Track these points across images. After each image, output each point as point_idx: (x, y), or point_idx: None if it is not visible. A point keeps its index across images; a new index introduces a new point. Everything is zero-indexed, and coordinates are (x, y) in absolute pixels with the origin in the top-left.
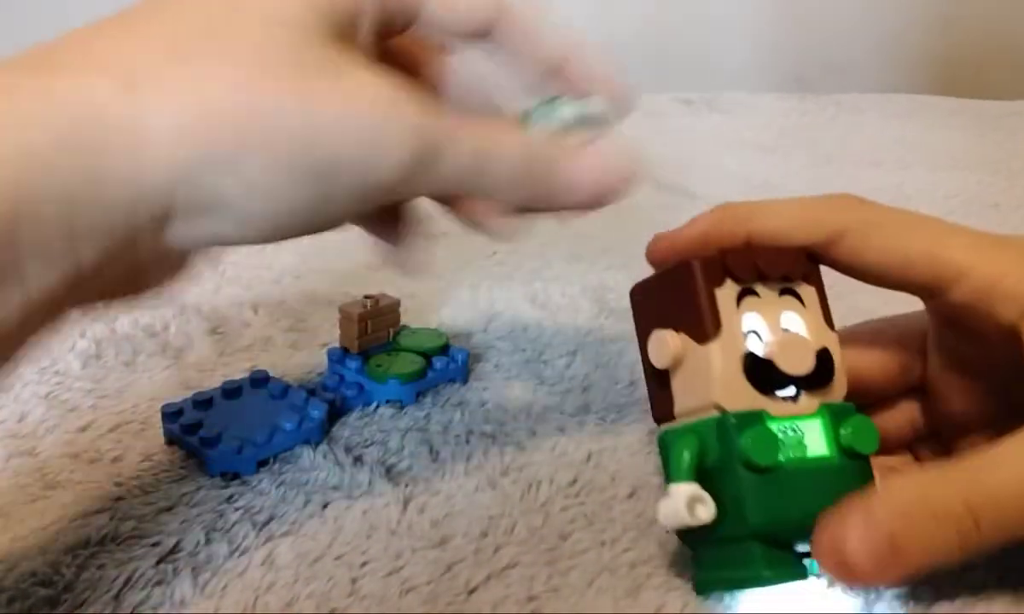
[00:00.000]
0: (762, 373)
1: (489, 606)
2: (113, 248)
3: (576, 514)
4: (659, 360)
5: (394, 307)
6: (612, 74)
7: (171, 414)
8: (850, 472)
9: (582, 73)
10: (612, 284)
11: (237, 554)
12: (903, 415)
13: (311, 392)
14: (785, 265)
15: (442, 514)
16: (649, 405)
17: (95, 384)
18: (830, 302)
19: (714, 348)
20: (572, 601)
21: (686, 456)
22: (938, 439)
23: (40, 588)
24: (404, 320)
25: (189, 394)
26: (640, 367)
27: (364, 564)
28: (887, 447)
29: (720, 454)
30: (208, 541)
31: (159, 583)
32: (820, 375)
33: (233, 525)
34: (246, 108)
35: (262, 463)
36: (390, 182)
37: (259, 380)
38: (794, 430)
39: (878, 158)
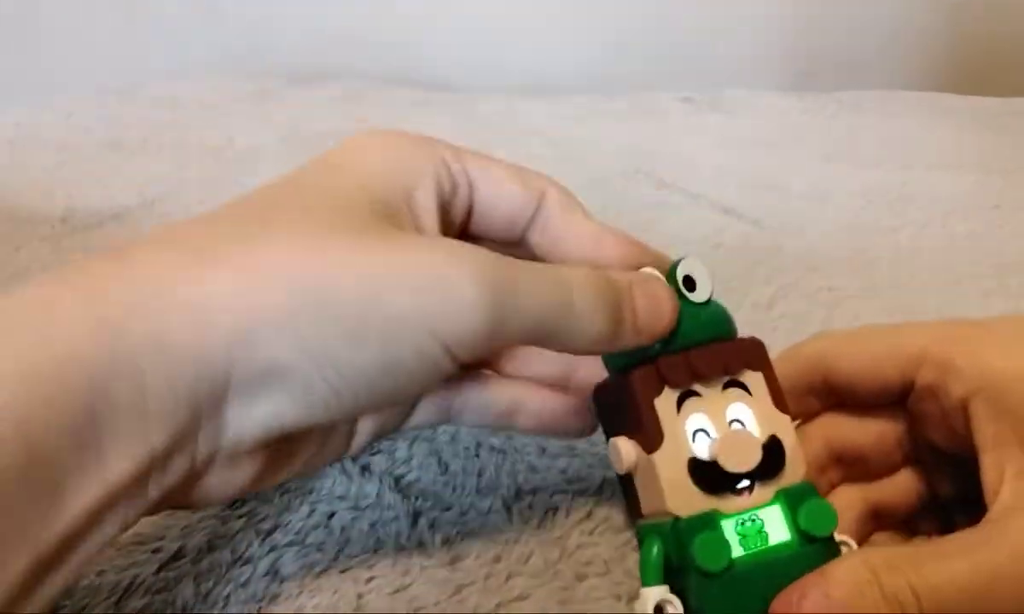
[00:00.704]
0: (709, 474)
1: None
2: (178, 432)
3: (592, 555)
4: (618, 466)
5: None
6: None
7: None
8: (809, 555)
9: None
10: None
11: (240, 563)
12: (906, 483)
13: None
14: (721, 361)
15: (453, 532)
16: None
17: None
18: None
19: (658, 458)
20: None
21: (653, 557)
22: (944, 509)
23: None
24: None
25: None
26: None
27: (370, 580)
28: (889, 518)
29: (678, 557)
30: (211, 548)
31: (160, 590)
32: (770, 465)
33: (236, 533)
34: (300, 271)
35: None
36: (462, 329)
37: None
38: (752, 520)
39: (880, 157)
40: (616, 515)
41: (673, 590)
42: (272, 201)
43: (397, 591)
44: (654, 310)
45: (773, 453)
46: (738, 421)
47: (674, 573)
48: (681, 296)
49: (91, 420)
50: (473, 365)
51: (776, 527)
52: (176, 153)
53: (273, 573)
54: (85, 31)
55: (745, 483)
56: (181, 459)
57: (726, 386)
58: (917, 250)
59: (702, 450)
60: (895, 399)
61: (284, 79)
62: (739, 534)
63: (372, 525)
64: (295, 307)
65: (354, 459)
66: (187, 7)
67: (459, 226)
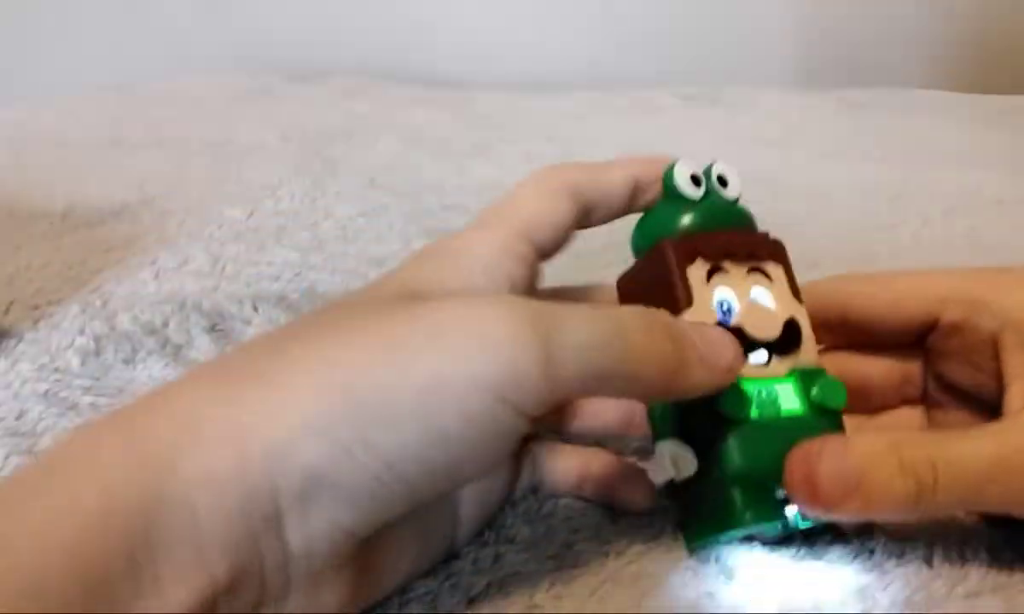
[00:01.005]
0: None
1: None
2: (239, 559)
3: (580, 524)
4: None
5: None
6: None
7: None
8: (822, 424)
9: None
10: (613, 281)
11: None
12: (908, 420)
13: None
14: (749, 246)
15: None
16: None
17: (94, 381)
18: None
19: (686, 318)
20: (574, 611)
21: (668, 415)
22: None
23: None
24: None
25: None
26: None
27: None
28: None
29: (698, 410)
30: None
31: None
32: (788, 340)
33: None
34: (326, 366)
35: None
36: (507, 371)
37: None
38: (767, 391)
39: (881, 154)
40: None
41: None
42: (320, 312)
43: None
44: (715, 348)
45: (791, 331)
46: (757, 302)
47: (688, 431)
48: (713, 191)
49: (147, 548)
50: (550, 421)
51: (788, 399)
52: (176, 150)
53: None
54: (85, 29)
55: (763, 355)
56: (249, 586)
57: (750, 271)
58: (918, 246)
59: (726, 318)
60: (912, 339)
61: (284, 76)
62: (756, 397)
63: None
64: (323, 406)
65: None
66: (188, 5)
67: None
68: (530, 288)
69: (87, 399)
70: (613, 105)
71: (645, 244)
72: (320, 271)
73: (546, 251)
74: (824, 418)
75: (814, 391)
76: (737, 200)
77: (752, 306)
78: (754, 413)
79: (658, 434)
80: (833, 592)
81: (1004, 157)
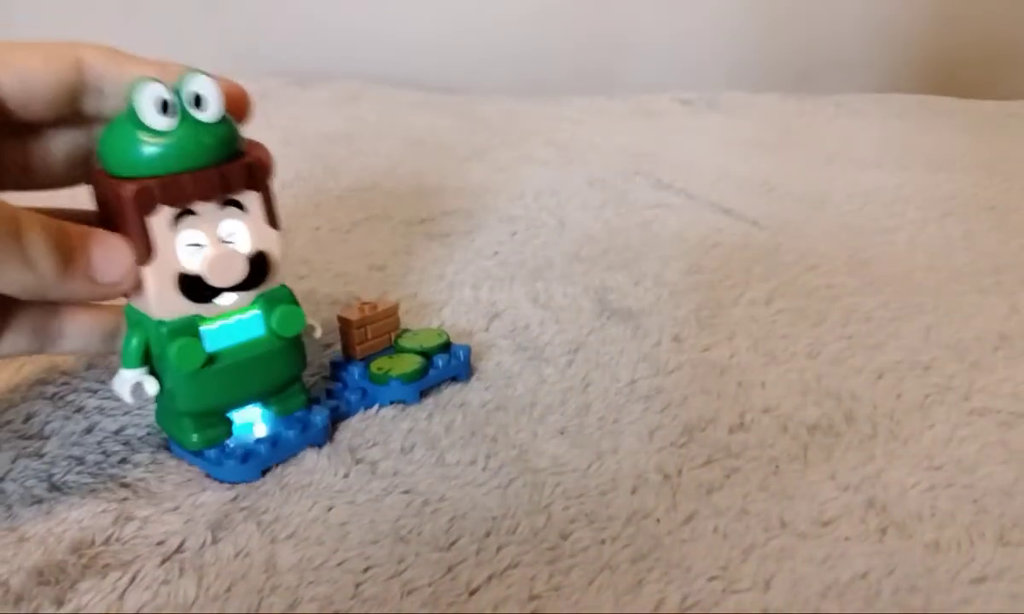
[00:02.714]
0: (195, 287)
1: (490, 606)
2: None
3: (577, 512)
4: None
5: (393, 311)
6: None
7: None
8: (279, 350)
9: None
10: (613, 284)
11: (242, 556)
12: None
13: (314, 400)
14: (220, 182)
15: (447, 518)
16: None
17: (101, 385)
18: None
19: (149, 272)
20: (573, 599)
21: (133, 348)
22: None
23: (45, 587)
24: (405, 321)
25: None
26: (640, 367)
27: (367, 570)
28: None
29: (159, 353)
30: (214, 541)
31: (164, 583)
32: (254, 277)
33: (238, 526)
34: None
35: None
36: None
37: None
38: (229, 326)
39: (878, 158)
40: (602, 476)
41: (152, 373)
42: None
43: (392, 577)
44: (110, 263)
45: (258, 266)
46: (230, 237)
47: (155, 360)
48: (188, 114)
49: None
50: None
51: (252, 328)
52: None
53: (272, 566)
54: (85, 31)
55: (230, 298)
56: None
57: (225, 204)
58: (914, 250)
59: (193, 264)
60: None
61: (285, 80)
62: (218, 334)
63: (367, 516)
64: None
65: (351, 452)
66: (187, 8)
67: None
68: None
69: (94, 402)
70: (612, 109)
71: (109, 166)
72: (322, 274)
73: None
74: (281, 344)
75: (272, 320)
76: (219, 122)
77: (217, 256)
78: (214, 348)
79: (122, 359)
80: None
81: (1000, 163)
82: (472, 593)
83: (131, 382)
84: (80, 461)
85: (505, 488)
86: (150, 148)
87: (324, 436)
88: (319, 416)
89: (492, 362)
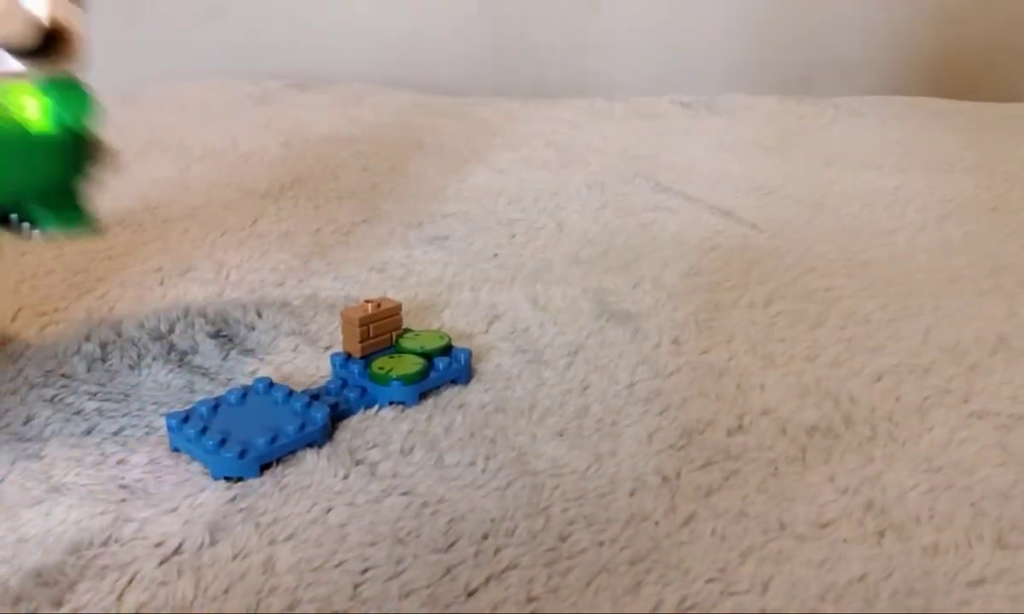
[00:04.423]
0: None
1: (489, 608)
2: None
3: (575, 514)
4: None
5: (395, 311)
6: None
7: (175, 420)
8: (57, 146)
9: None
10: (612, 287)
11: (240, 557)
12: None
13: (314, 396)
14: None
15: (446, 520)
16: None
17: (100, 387)
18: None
19: None
20: (571, 601)
21: None
22: None
23: (44, 588)
24: (406, 323)
25: (194, 397)
26: (639, 370)
27: (366, 571)
28: None
29: None
30: (212, 543)
31: (162, 584)
32: (45, 47)
33: (236, 528)
34: None
35: (265, 466)
36: None
37: (263, 384)
38: (8, 100)
39: (877, 161)
40: (600, 478)
41: None
42: None
43: (391, 578)
44: None
45: (49, 36)
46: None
47: None
48: None
49: None
50: None
51: (33, 111)
52: (178, 156)
53: (271, 567)
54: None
55: (19, 65)
56: None
57: None
58: (914, 251)
59: None
60: None
61: (286, 82)
62: None
63: (366, 516)
64: None
65: (350, 453)
66: (189, 11)
67: None
68: None
69: (93, 404)
70: (612, 112)
71: None
72: (323, 276)
73: None
74: (60, 137)
75: (57, 108)
76: None
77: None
78: None
79: None
80: None
81: (1000, 164)
82: (470, 594)
83: None
84: (79, 463)
85: (504, 490)
86: None
87: (324, 434)
88: (319, 413)
89: (492, 364)
